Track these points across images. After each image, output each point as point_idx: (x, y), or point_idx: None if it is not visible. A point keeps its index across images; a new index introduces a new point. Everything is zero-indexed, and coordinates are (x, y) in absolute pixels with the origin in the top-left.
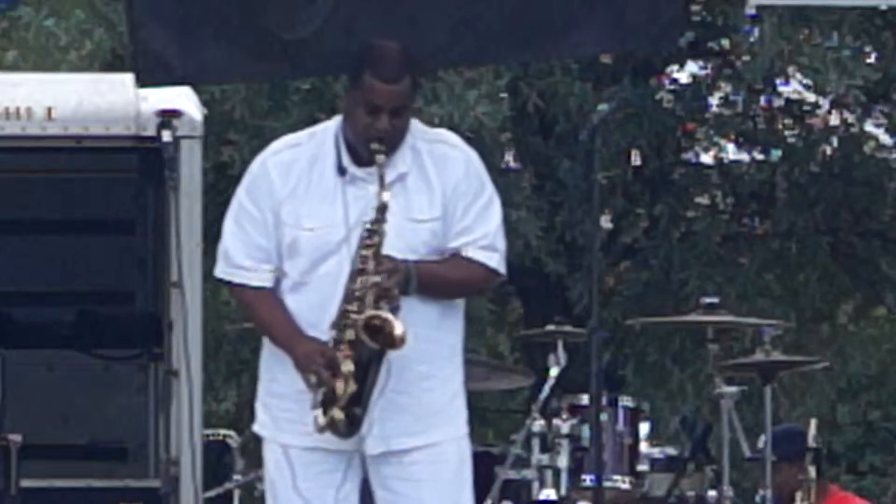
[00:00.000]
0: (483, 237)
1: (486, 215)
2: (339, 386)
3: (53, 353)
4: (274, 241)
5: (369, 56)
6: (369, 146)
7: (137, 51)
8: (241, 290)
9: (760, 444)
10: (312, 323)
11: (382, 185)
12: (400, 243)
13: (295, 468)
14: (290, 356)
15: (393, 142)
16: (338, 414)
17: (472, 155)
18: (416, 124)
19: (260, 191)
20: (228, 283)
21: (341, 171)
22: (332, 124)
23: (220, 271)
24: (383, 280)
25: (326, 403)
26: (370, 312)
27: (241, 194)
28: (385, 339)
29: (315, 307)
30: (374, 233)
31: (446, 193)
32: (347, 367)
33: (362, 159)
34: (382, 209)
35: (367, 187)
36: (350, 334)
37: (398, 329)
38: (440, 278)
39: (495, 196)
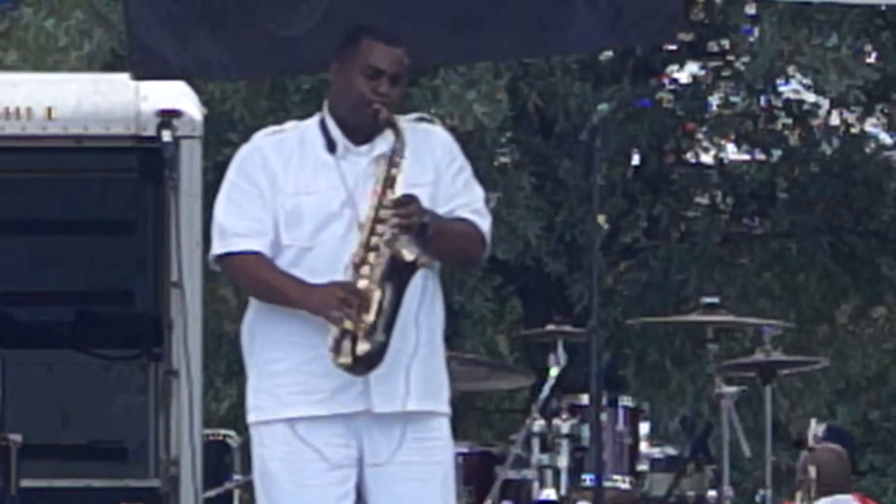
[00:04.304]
0: (473, 202)
1: (473, 185)
2: (370, 315)
3: (53, 353)
4: (271, 214)
5: (366, 27)
6: (373, 109)
7: (133, 45)
8: (240, 259)
9: (820, 433)
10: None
11: (397, 131)
12: None
13: (303, 445)
14: (305, 305)
15: (391, 111)
16: (363, 346)
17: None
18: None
19: (253, 164)
20: (227, 255)
21: (331, 148)
22: (314, 117)
23: (217, 247)
24: (403, 212)
25: (353, 337)
26: (392, 235)
27: (231, 175)
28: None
29: (323, 268)
30: (388, 180)
31: (435, 159)
32: (374, 293)
33: (358, 136)
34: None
35: (360, 160)
36: (372, 258)
37: (409, 255)
38: (448, 226)
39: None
